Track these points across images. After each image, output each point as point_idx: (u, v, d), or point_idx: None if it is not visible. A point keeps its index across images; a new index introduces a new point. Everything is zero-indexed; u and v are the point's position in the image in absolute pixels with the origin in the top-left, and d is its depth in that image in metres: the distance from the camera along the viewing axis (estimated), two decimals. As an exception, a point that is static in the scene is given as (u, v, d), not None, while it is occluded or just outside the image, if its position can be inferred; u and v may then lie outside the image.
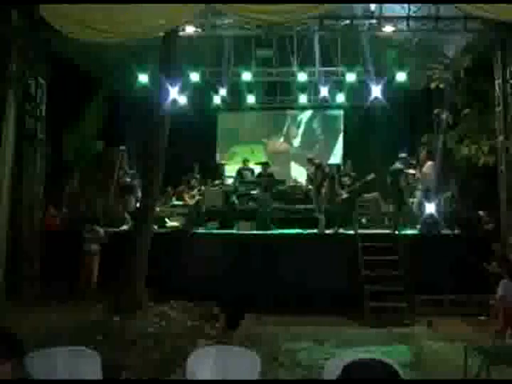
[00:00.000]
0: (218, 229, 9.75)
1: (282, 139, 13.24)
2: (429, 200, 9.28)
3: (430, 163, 9.58)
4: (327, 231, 9.10)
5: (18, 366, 1.77)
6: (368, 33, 9.29)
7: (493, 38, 8.50)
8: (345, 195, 9.74)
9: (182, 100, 12.11)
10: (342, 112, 13.37)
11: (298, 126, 13.30)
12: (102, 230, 8.59)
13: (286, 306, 7.72)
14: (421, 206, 9.47)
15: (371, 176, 9.97)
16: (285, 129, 13.36)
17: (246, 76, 11.50)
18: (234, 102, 12.85)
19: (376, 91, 11.42)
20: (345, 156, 12.80)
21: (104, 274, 8.27)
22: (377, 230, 9.43)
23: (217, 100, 12.54)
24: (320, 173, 9.68)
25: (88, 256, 8.38)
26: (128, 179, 10.67)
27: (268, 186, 10.11)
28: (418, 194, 9.62)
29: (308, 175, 10.68)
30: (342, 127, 13.45)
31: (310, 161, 10.28)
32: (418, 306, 7.73)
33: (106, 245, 8.53)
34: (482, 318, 7.20)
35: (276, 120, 13.44)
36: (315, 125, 13.24)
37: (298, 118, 13.37)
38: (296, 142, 13.34)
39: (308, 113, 13.29)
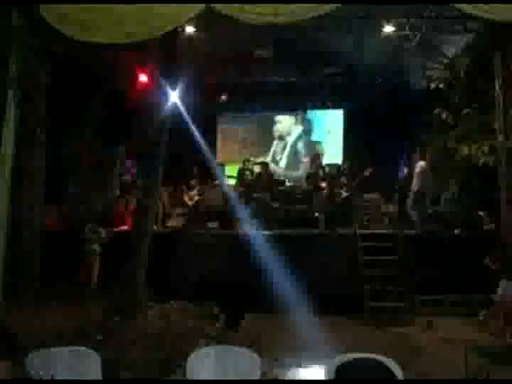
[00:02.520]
0: (217, 229, 9.75)
1: (268, 159, 13.39)
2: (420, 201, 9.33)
3: (419, 163, 9.59)
4: (327, 231, 9.10)
5: (16, 365, 1.77)
6: (368, 33, 9.29)
7: (493, 38, 8.50)
8: (344, 194, 9.76)
9: (182, 100, 12.12)
10: (342, 112, 13.41)
11: (284, 148, 13.66)
12: (103, 231, 8.60)
13: (286, 305, 7.71)
14: (414, 206, 9.50)
15: (369, 171, 9.99)
16: (272, 150, 13.56)
17: (246, 76, 11.51)
18: (235, 102, 12.87)
19: (375, 92, 11.45)
20: (345, 156, 12.82)
21: (104, 274, 8.27)
22: (377, 230, 9.43)
23: (217, 99, 12.57)
24: (320, 172, 9.70)
25: (89, 256, 8.38)
26: (128, 179, 10.67)
27: (268, 186, 10.11)
28: (410, 194, 9.64)
29: (308, 174, 10.67)
30: (342, 127, 13.49)
31: (314, 157, 10.22)
32: (418, 306, 7.73)
33: (106, 245, 8.54)
34: (482, 313, 7.18)
35: (264, 141, 13.70)
36: (299, 147, 13.67)
37: (285, 140, 13.73)
38: (282, 163, 13.60)
39: (293, 136, 13.70)
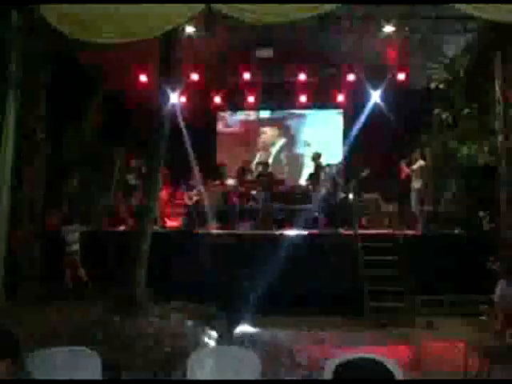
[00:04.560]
0: (217, 229, 9.75)
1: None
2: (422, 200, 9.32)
3: (420, 163, 9.57)
4: (327, 231, 9.10)
5: (13, 365, 1.77)
6: (368, 33, 9.30)
7: (493, 38, 8.51)
8: (342, 195, 9.76)
9: (182, 100, 12.15)
10: (341, 112, 13.41)
11: (267, 158, 13.79)
12: (80, 228, 8.61)
13: (286, 305, 7.71)
14: (418, 205, 9.48)
15: (366, 172, 9.96)
16: (255, 161, 13.48)
17: (246, 76, 11.52)
18: (234, 102, 12.87)
19: (375, 92, 11.47)
20: (344, 156, 12.82)
21: (104, 274, 8.27)
22: (377, 230, 9.43)
23: (217, 100, 12.58)
24: (321, 173, 9.69)
25: (69, 256, 8.41)
26: (129, 179, 10.66)
27: (268, 186, 10.11)
28: (413, 194, 9.61)
29: (310, 174, 10.66)
30: (341, 127, 13.51)
31: (316, 157, 10.15)
32: (418, 307, 7.73)
33: (106, 244, 8.53)
34: (483, 317, 7.20)
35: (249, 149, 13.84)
36: (282, 157, 14.06)
37: (268, 151, 13.99)
38: None
39: (277, 147, 14.00)
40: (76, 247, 8.52)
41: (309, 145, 13.56)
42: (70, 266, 8.46)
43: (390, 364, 1.50)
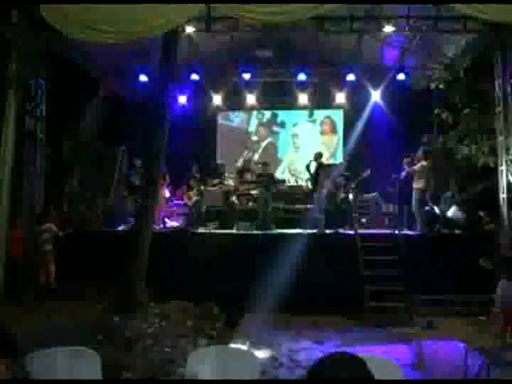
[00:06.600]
0: (217, 229, 9.75)
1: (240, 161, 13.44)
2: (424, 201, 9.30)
3: (422, 163, 9.52)
4: (327, 231, 9.10)
5: (12, 365, 1.76)
6: (368, 33, 9.30)
7: (493, 38, 8.51)
8: (342, 195, 9.75)
9: (182, 100, 12.17)
10: (341, 112, 13.41)
11: (255, 151, 13.87)
12: (55, 228, 8.59)
13: (286, 305, 7.71)
14: (419, 206, 9.45)
15: (367, 173, 9.94)
16: (241, 160, 13.52)
17: (246, 76, 11.52)
18: (234, 102, 12.88)
19: (375, 92, 11.46)
20: (345, 156, 12.83)
21: (104, 274, 8.26)
22: (377, 230, 9.43)
23: (217, 100, 12.58)
24: (321, 173, 9.68)
25: (45, 256, 8.40)
26: (128, 179, 10.66)
27: (268, 186, 10.10)
28: (414, 194, 9.57)
29: (311, 173, 10.64)
30: (341, 127, 13.51)
31: (317, 157, 10.11)
32: (418, 306, 7.73)
33: (107, 244, 8.52)
34: (483, 317, 7.21)
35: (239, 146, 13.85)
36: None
37: (257, 152, 13.95)
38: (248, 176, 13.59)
39: (263, 147, 13.97)
40: (49, 247, 8.44)
41: (299, 148, 13.63)
42: (42, 266, 8.40)
43: (391, 364, 1.50)
